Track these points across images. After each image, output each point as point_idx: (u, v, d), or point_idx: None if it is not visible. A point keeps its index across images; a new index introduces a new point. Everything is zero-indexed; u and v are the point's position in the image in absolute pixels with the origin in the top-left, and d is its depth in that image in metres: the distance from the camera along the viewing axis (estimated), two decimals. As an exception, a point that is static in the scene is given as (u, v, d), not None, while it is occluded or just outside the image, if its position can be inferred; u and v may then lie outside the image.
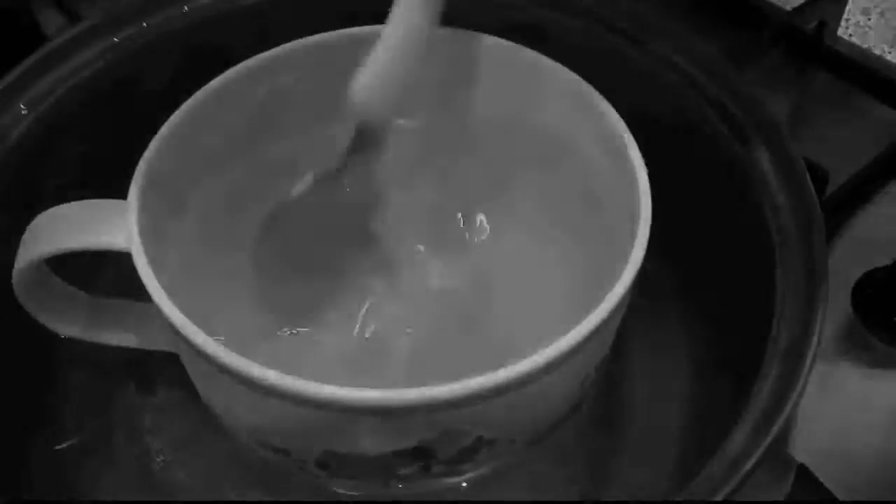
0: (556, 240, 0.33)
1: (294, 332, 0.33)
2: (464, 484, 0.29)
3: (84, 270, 0.29)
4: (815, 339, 0.25)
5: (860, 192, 0.40)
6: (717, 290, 0.31)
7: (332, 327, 0.33)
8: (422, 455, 0.25)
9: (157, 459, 0.31)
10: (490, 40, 0.31)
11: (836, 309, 0.36)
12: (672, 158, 0.29)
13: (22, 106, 0.31)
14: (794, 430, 0.33)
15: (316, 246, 0.33)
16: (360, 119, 0.28)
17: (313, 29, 0.31)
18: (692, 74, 0.32)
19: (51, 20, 0.34)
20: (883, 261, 0.36)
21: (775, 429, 0.23)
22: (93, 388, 0.33)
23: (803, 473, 0.25)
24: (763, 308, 0.26)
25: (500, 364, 0.23)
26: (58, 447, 0.31)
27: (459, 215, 0.35)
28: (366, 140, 0.30)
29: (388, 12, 0.32)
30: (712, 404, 0.30)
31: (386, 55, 0.27)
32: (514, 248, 0.34)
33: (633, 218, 0.26)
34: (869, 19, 0.50)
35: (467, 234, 0.35)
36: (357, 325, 0.33)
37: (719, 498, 0.21)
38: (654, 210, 0.26)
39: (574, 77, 0.30)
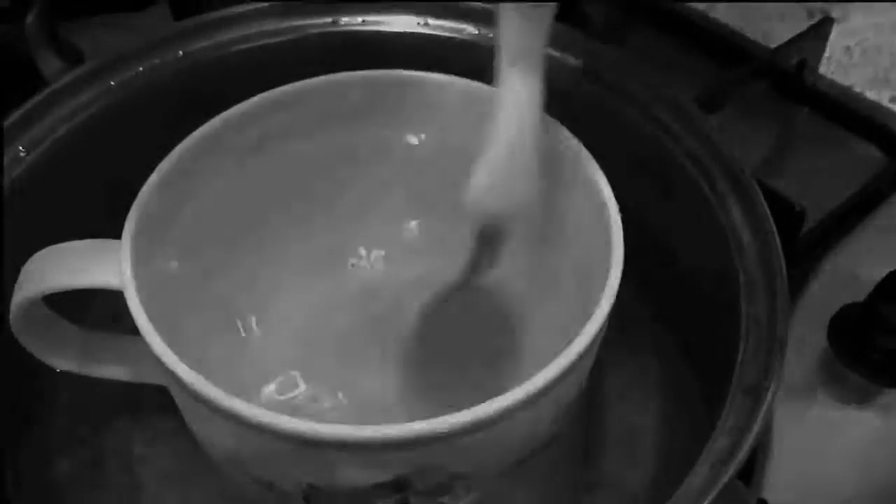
0: (532, 278, 0.33)
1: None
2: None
3: (77, 300, 0.30)
4: (775, 379, 0.26)
5: (838, 227, 0.41)
6: (688, 329, 0.32)
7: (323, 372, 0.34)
8: (400, 488, 0.26)
9: (147, 490, 0.32)
10: (465, 83, 0.32)
11: (813, 343, 0.37)
12: (646, 202, 0.30)
13: (21, 148, 0.32)
14: (768, 463, 0.34)
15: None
16: (478, 220, 0.27)
17: (305, 74, 0.32)
18: (666, 122, 0.33)
19: (49, 62, 0.35)
20: (859, 296, 0.36)
21: (733, 467, 0.23)
22: (85, 417, 0.34)
23: (762, 508, 0.26)
24: (728, 347, 0.27)
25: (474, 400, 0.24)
26: (50, 475, 0.32)
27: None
28: (486, 240, 0.28)
29: (373, 60, 0.33)
30: (683, 438, 0.30)
31: (496, 148, 0.25)
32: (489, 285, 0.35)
33: (605, 258, 0.27)
34: (850, 57, 0.51)
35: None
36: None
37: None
38: (629, 250, 0.27)
39: (551, 121, 0.31)
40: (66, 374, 0.31)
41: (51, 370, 0.31)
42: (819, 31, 0.46)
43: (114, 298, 0.27)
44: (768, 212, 0.30)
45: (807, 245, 0.39)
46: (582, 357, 0.25)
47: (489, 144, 0.25)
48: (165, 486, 0.32)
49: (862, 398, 0.36)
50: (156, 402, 0.32)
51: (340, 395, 0.33)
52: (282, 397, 0.33)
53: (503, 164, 0.25)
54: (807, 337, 0.37)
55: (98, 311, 0.32)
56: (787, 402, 0.35)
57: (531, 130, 0.26)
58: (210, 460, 0.30)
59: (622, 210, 0.28)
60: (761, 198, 0.30)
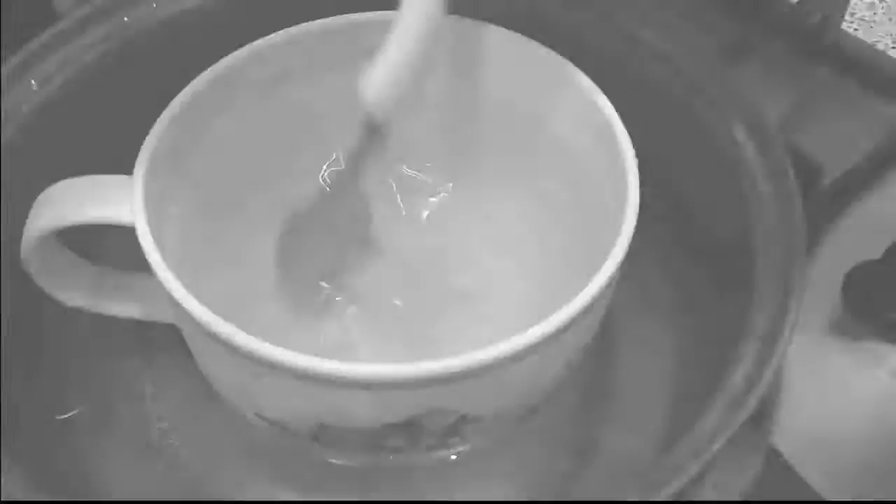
0: (544, 223, 0.33)
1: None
2: (453, 457, 0.30)
3: (90, 239, 0.30)
4: (788, 326, 0.25)
5: (855, 185, 0.40)
6: (701, 275, 0.32)
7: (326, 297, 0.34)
8: (410, 429, 0.26)
9: (157, 427, 0.32)
10: (485, 28, 0.32)
11: (826, 300, 0.37)
12: (659, 145, 0.29)
13: (33, 82, 0.31)
14: (779, 417, 0.34)
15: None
16: (370, 115, 0.28)
17: (326, 12, 0.32)
18: (679, 62, 0.33)
19: (63, -3, 0.34)
20: (875, 253, 0.36)
21: (744, 410, 0.23)
22: (96, 356, 0.34)
23: (773, 456, 0.26)
24: (742, 294, 0.27)
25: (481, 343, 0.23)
26: (62, 416, 0.32)
27: (443, 193, 0.36)
28: (373, 134, 0.29)
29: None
30: (695, 386, 0.30)
31: (397, 51, 0.27)
32: (499, 229, 0.34)
33: (620, 204, 0.27)
34: (874, 14, 0.50)
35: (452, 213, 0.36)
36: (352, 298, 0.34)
37: (686, 478, 0.22)
38: (641, 192, 0.27)
39: (565, 63, 0.30)
40: (77, 312, 0.31)
41: (61, 308, 0.31)
42: (843, -14, 0.45)
43: (127, 237, 0.27)
44: (788, 159, 0.29)
45: (823, 202, 0.39)
46: (595, 301, 0.25)
47: (389, 46, 0.26)
48: (175, 423, 0.32)
49: (874, 355, 0.36)
50: (167, 341, 0.32)
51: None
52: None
53: (399, 66, 0.27)
54: (821, 293, 0.37)
55: (111, 249, 0.32)
56: (799, 357, 0.35)
57: (426, 40, 0.27)
58: (221, 400, 0.30)
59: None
60: (782, 144, 0.30)
